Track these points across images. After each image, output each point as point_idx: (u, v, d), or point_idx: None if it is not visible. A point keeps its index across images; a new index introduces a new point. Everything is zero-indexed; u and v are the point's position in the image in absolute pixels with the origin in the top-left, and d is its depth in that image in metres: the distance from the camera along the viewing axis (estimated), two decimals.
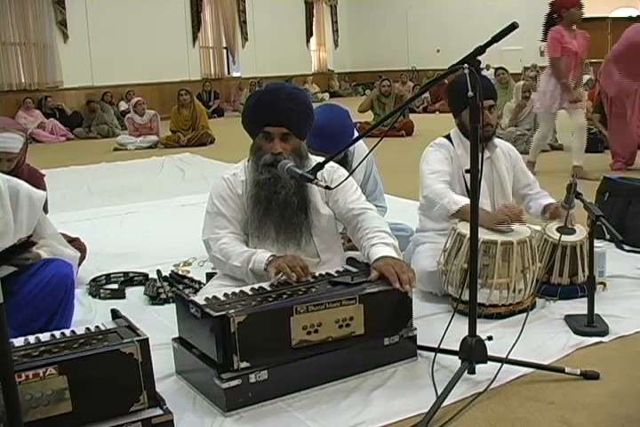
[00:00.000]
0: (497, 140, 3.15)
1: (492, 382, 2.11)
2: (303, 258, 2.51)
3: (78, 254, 2.76)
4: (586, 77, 17.09)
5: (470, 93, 1.91)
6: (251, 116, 2.52)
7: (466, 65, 1.91)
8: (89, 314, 2.94)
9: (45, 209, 2.83)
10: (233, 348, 1.99)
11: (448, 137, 3.13)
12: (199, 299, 2.17)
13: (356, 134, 3.33)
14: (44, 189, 3.27)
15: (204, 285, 2.81)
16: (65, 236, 3.32)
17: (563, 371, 2.19)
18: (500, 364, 2.14)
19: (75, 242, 3.42)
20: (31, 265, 2.49)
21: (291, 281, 2.27)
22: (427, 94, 12.88)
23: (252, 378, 2.03)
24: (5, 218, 2.46)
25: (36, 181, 3.25)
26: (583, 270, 2.91)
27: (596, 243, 2.82)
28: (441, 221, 3.00)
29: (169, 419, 1.90)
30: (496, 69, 9.40)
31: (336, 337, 2.15)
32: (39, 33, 12.61)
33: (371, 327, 2.20)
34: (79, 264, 3.18)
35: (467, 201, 2.84)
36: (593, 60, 17.78)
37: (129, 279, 3.39)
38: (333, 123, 3.11)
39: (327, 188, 2.29)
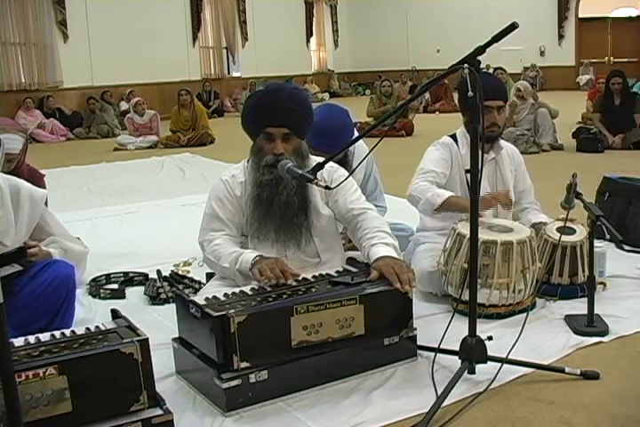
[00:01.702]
0: (502, 142, 3.15)
1: (492, 382, 2.11)
2: (303, 258, 2.52)
3: (88, 250, 2.76)
4: (586, 77, 17.19)
5: (470, 93, 1.91)
6: (251, 117, 2.52)
7: (466, 65, 1.92)
8: (89, 314, 2.94)
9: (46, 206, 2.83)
10: (233, 348, 1.99)
11: (454, 136, 3.13)
12: (199, 299, 2.17)
13: (356, 134, 3.34)
14: (44, 188, 3.27)
15: (204, 285, 2.81)
16: None
17: (563, 371, 2.19)
18: (500, 364, 2.14)
19: None
20: (33, 266, 2.49)
21: (272, 283, 2.26)
22: (427, 94, 12.89)
23: (252, 378, 2.03)
24: (6, 217, 2.46)
25: (37, 181, 3.25)
26: (583, 270, 2.91)
27: (596, 243, 2.82)
28: (441, 218, 3.01)
29: (169, 419, 1.90)
30: (494, 70, 9.41)
31: (336, 338, 2.15)
32: (39, 33, 12.61)
33: (371, 328, 2.20)
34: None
35: (450, 193, 2.90)
36: (593, 61, 17.88)
37: (129, 279, 3.39)
38: (333, 122, 3.11)
39: (327, 188, 2.29)
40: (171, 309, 2.50)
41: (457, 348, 2.15)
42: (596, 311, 2.57)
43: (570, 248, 2.91)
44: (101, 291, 3.19)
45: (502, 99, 3.04)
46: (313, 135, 2.74)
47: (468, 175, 2.01)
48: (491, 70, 16.84)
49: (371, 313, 2.19)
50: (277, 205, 2.45)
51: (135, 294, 3.20)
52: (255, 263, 2.34)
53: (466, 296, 2.19)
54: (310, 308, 2.09)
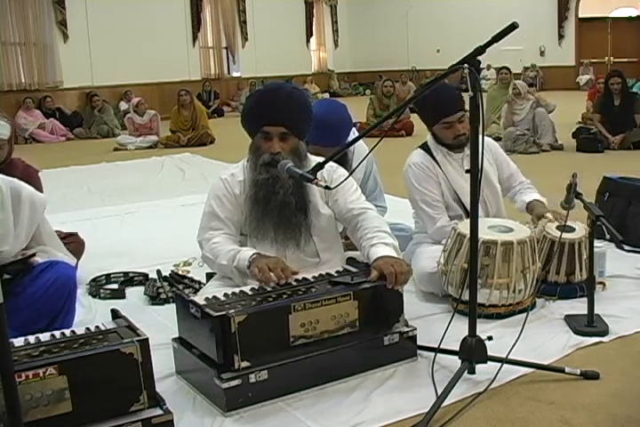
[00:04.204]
0: None
1: (492, 382, 2.11)
2: (302, 258, 2.52)
3: (74, 261, 2.74)
4: (586, 77, 17.19)
5: (470, 93, 1.91)
6: (250, 116, 2.52)
7: (466, 65, 1.92)
8: (89, 314, 2.94)
9: None
10: (234, 348, 2.00)
11: (424, 146, 3.16)
12: (199, 299, 2.17)
13: (356, 133, 3.33)
14: (40, 185, 3.20)
15: (204, 285, 2.81)
16: (61, 232, 3.31)
17: (563, 371, 2.19)
18: (500, 364, 2.14)
19: (72, 237, 3.41)
20: (34, 267, 2.49)
21: (270, 284, 2.26)
22: None
23: (252, 378, 2.03)
24: (6, 221, 2.45)
25: (31, 176, 3.17)
26: (581, 269, 2.91)
27: (596, 243, 2.82)
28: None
29: (169, 419, 1.90)
30: (499, 69, 9.34)
31: (331, 330, 2.16)
32: (39, 33, 12.62)
33: (364, 322, 2.21)
34: (78, 260, 3.17)
35: None
36: (593, 61, 17.88)
37: (129, 279, 3.39)
38: (331, 116, 3.08)
39: (327, 188, 2.28)
40: (171, 309, 2.50)
41: (457, 348, 2.15)
42: (595, 311, 2.57)
43: (568, 245, 2.90)
44: (101, 291, 3.19)
45: (460, 109, 3.00)
46: (312, 129, 2.72)
47: (462, 178, 2.01)
48: (492, 70, 16.90)
49: (364, 308, 2.20)
50: (274, 205, 2.45)
51: (135, 294, 3.20)
52: (253, 261, 2.34)
53: (466, 296, 2.19)
54: (307, 305, 2.10)
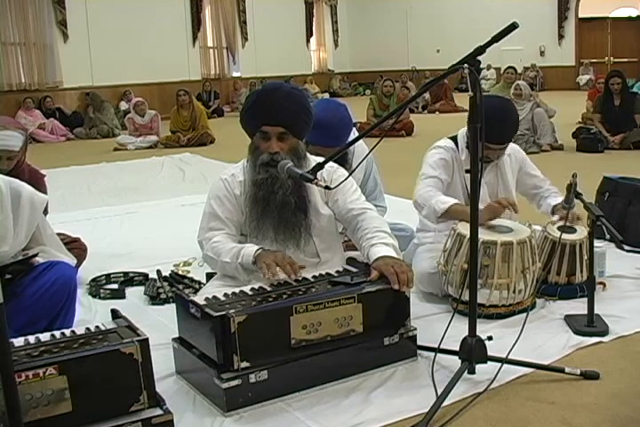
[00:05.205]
0: None
1: (492, 382, 2.11)
2: (302, 258, 2.52)
3: (75, 261, 2.74)
4: (586, 77, 17.20)
5: (470, 93, 1.91)
6: (248, 116, 2.52)
7: (466, 65, 1.92)
8: (89, 314, 2.94)
9: (45, 210, 2.83)
10: (233, 348, 1.99)
11: (454, 138, 3.11)
12: (199, 299, 2.17)
13: (356, 133, 3.33)
14: (45, 189, 3.24)
15: (204, 285, 2.81)
16: (65, 236, 3.32)
17: (563, 371, 2.19)
18: (500, 364, 2.14)
19: (76, 242, 3.41)
20: (35, 267, 2.49)
21: (278, 280, 2.26)
22: (427, 94, 12.89)
23: (252, 378, 2.03)
24: (5, 222, 2.44)
25: (37, 181, 3.21)
26: (581, 271, 2.91)
27: (596, 243, 2.81)
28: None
29: (169, 419, 1.90)
30: (505, 68, 9.31)
31: (335, 335, 2.15)
32: (39, 33, 12.63)
33: (369, 326, 2.20)
34: (79, 266, 3.18)
35: (454, 201, 2.87)
36: (593, 61, 17.89)
37: (129, 279, 3.39)
38: (332, 116, 3.06)
39: (327, 188, 2.28)
40: (171, 309, 2.50)
41: (457, 348, 2.15)
42: (595, 311, 2.57)
43: (569, 246, 2.91)
44: (101, 291, 3.19)
45: (508, 140, 2.96)
46: (312, 129, 2.72)
47: (468, 176, 2.01)
48: (492, 70, 16.87)
49: (369, 311, 2.19)
50: (274, 205, 2.45)
51: (135, 294, 3.20)
52: (258, 257, 2.33)
53: (466, 296, 2.19)
54: (309, 307, 2.09)
